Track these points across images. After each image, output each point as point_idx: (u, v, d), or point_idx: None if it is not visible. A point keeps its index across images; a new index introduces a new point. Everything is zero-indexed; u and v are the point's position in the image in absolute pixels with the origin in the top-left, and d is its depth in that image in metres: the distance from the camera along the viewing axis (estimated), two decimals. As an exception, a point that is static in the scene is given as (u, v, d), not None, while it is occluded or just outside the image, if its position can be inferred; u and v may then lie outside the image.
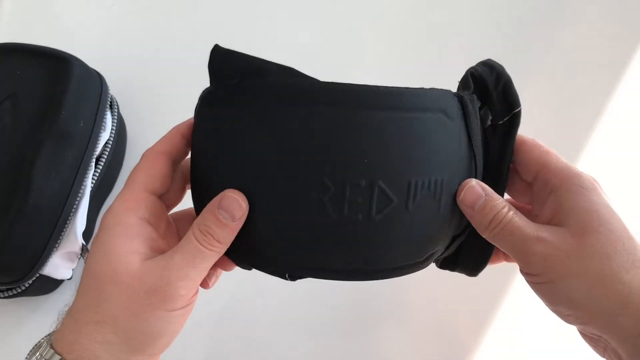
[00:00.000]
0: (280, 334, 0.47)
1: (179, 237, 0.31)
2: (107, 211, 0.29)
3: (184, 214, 0.34)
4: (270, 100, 0.29)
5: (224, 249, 0.29)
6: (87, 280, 0.28)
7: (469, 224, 0.31)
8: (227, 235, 0.28)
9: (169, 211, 0.33)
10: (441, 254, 0.32)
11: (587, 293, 0.27)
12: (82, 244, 0.43)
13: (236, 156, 0.29)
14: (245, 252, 0.31)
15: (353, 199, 0.28)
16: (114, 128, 0.48)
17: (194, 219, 0.29)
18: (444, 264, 0.35)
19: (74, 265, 0.46)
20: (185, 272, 0.27)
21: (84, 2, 0.60)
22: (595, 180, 0.30)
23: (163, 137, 0.31)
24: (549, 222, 0.30)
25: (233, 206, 0.28)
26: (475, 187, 0.30)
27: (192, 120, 0.31)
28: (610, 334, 0.28)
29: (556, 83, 0.58)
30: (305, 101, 0.28)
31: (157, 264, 0.28)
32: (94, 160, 0.45)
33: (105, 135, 0.46)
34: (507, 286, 0.48)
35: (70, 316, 0.28)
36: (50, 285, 0.46)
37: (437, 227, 0.30)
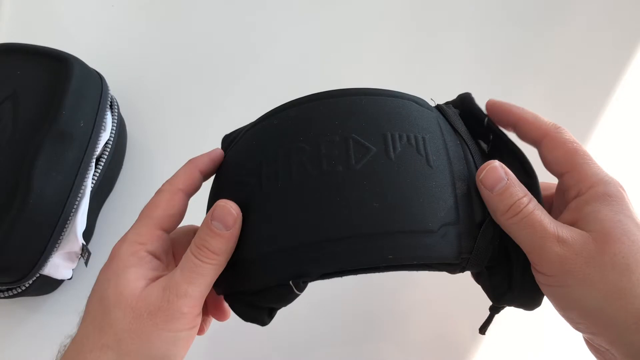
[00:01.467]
0: (279, 338, 0.47)
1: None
2: (120, 241, 0.30)
3: (180, 234, 0.34)
4: (258, 125, 0.32)
5: (221, 261, 0.28)
6: (93, 307, 0.28)
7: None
8: (222, 246, 0.28)
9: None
10: (473, 247, 0.28)
11: (602, 304, 0.26)
12: (82, 244, 0.43)
13: (229, 169, 0.31)
14: (239, 273, 0.29)
15: (329, 152, 0.27)
16: (114, 128, 0.48)
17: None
18: (492, 287, 0.31)
19: (74, 265, 0.46)
20: (185, 289, 0.27)
21: (84, 2, 0.60)
22: (622, 188, 0.29)
23: (181, 171, 0.32)
24: (570, 225, 0.28)
25: (224, 214, 0.28)
26: (498, 169, 0.28)
27: (210, 154, 0.32)
28: (619, 349, 0.27)
29: (556, 83, 0.58)
30: (281, 109, 0.31)
31: (158, 284, 0.28)
32: (94, 160, 0.45)
33: (105, 135, 0.46)
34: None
35: (74, 346, 0.28)
36: (50, 285, 0.46)
37: (435, 185, 0.27)
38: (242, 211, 0.29)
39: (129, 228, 0.31)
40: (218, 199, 0.29)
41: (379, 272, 0.28)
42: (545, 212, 0.28)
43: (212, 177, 0.34)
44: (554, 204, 0.32)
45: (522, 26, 0.60)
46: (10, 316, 0.47)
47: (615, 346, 0.27)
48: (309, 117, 0.29)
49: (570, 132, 0.31)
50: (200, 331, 0.33)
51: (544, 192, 0.31)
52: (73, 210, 0.42)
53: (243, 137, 0.32)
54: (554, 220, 0.28)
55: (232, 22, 0.60)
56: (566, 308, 0.28)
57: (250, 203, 0.29)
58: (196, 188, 0.32)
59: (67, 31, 0.59)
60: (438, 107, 0.33)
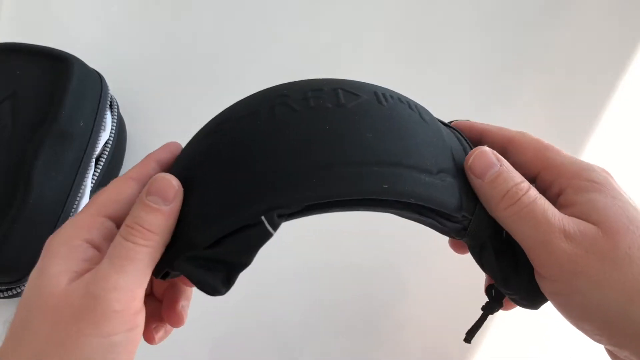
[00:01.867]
0: (276, 335, 0.47)
1: None
2: (54, 234, 0.24)
3: None
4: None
5: (158, 242, 0.23)
6: (16, 316, 0.23)
7: None
8: (160, 222, 0.23)
9: None
10: (473, 213, 0.25)
11: (625, 307, 0.22)
12: (82, 244, 0.43)
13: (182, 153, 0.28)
14: (199, 223, 0.23)
15: (316, 95, 0.25)
16: (114, 128, 0.48)
17: None
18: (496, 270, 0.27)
19: (74, 265, 0.46)
20: (115, 281, 0.22)
21: (84, 2, 0.60)
22: (606, 172, 0.26)
23: (136, 164, 0.27)
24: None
25: (163, 186, 0.23)
26: (488, 154, 0.25)
27: (168, 145, 0.29)
28: None
29: (556, 83, 0.58)
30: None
31: (83, 279, 0.22)
32: (94, 160, 0.45)
33: (105, 135, 0.46)
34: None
35: None
36: (50, 285, 0.46)
37: (430, 132, 0.25)
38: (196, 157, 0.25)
39: None
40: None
41: (366, 209, 0.23)
42: (547, 201, 0.24)
43: None
44: None
45: (521, 25, 0.60)
46: (10, 316, 0.47)
47: None
48: (293, 83, 0.26)
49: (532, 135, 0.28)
50: (151, 340, 0.28)
51: None
52: (73, 210, 0.42)
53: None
54: (557, 211, 0.24)
55: (232, 22, 0.60)
56: (582, 319, 0.24)
57: (214, 144, 0.25)
58: (150, 176, 0.27)
59: (67, 31, 0.59)
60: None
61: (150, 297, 0.30)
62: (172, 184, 0.24)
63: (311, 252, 0.48)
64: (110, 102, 0.49)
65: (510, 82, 0.58)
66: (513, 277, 0.26)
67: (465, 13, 0.61)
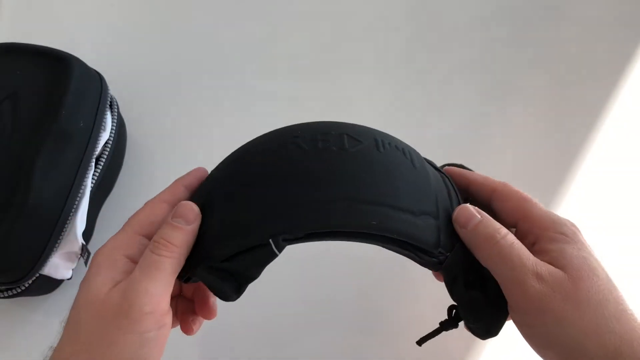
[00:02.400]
0: (276, 333, 0.47)
1: None
2: (98, 250, 0.30)
3: None
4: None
5: (180, 254, 0.28)
6: (70, 315, 0.28)
7: None
8: (182, 237, 0.28)
9: None
10: (449, 250, 0.29)
11: (581, 341, 0.27)
12: (82, 244, 0.43)
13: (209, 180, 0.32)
14: (224, 236, 0.28)
15: (324, 139, 0.29)
16: (114, 128, 0.48)
17: None
18: (466, 308, 0.31)
19: (73, 265, 0.46)
20: (145, 286, 0.27)
21: (84, 2, 0.60)
22: (575, 226, 0.30)
23: (166, 188, 0.32)
24: None
25: (185, 210, 0.29)
26: (469, 208, 0.29)
27: (195, 172, 0.33)
28: None
29: (556, 83, 0.58)
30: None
31: (120, 286, 0.27)
32: (94, 160, 0.45)
33: (105, 135, 0.46)
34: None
35: (54, 355, 0.28)
36: (50, 285, 0.46)
37: (418, 179, 0.29)
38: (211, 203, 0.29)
39: None
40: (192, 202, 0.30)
41: (355, 240, 0.28)
42: (523, 246, 0.29)
43: None
44: None
45: (522, 25, 0.60)
46: (10, 316, 0.47)
47: None
48: (305, 125, 0.31)
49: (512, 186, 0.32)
50: (189, 331, 0.34)
51: None
52: (73, 210, 0.42)
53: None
54: (532, 255, 0.28)
55: (232, 22, 0.60)
56: (545, 347, 0.29)
57: (226, 194, 0.29)
58: (180, 199, 0.32)
59: (67, 31, 0.59)
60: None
61: (181, 298, 0.35)
62: (193, 209, 0.29)
63: (309, 250, 0.47)
64: (110, 102, 0.49)
65: (510, 81, 0.58)
66: (480, 309, 0.30)
67: (465, 13, 0.61)
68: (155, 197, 0.32)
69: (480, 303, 0.30)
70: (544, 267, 0.28)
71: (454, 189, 0.32)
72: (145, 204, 0.31)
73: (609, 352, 0.26)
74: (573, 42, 0.60)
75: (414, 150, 0.32)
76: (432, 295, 0.48)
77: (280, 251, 0.27)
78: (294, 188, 0.27)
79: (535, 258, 0.28)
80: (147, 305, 0.26)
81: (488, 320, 0.30)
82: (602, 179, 0.53)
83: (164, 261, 0.27)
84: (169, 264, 0.28)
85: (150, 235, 0.30)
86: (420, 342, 0.34)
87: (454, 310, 0.33)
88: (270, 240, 0.27)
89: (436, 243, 0.28)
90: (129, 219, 0.31)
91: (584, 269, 0.28)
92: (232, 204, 0.29)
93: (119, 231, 0.30)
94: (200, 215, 0.29)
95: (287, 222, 0.27)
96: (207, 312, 0.34)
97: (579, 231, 0.30)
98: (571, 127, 0.56)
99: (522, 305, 0.28)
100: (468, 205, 0.30)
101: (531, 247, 0.30)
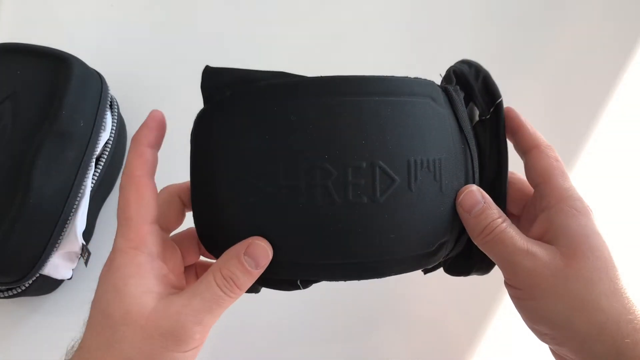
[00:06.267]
0: (276, 336, 0.47)
1: (183, 262, 0.32)
2: (114, 250, 0.28)
3: (184, 235, 0.34)
4: (263, 101, 0.29)
5: (241, 295, 0.29)
6: (99, 319, 0.28)
7: None
8: (249, 283, 0.28)
9: (168, 234, 0.32)
10: (452, 250, 0.32)
11: (567, 315, 0.28)
12: (82, 244, 0.43)
13: (236, 167, 0.28)
14: None
15: (356, 181, 0.28)
16: (114, 128, 0.48)
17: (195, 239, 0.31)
18: (455, 268, 0.34)
19: (73, 265, 0.46)
20: (202, 318, 0.27)
21: (84, 2, 0.60)
22: (589, 208, 0.31)
23: (129, 156, 0.29)
24: (539, 238, 0.30)
25: (260, 254, 0.28)
26: (475, 193, 0.30)
27: (148, 124, 0.30)
28: (582, 357, 0.28)
29: (555, 82, 0.58)
30: (296, 96, 0.29)
31: (172, 305, 0.27)
32: (94, 160, 0.45)
33: (105, 135, 0.46)
34: (503, 288, 0.48)
35: (80, 354, 0.28)
36: (50, 285, 0.46)
37: (443, 209, 0.30)
38: (255, 216, 0.28)
39: None
40: (223, 194, 0.28)
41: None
42: (517, 229, 0.30)
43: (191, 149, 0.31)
44: (524, 214, 0.34)
45: (521, 25, 0.60)
46: (10, 316, 0.47)
47: (579, 356, 0.29)
48: (334, 126, 0.28)
49: (557, 153, 0.32)
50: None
51: (519, 193, 0.34)
52: (73, 210, 0.42)
53: (247, 117, 0.29)
54: (525, 236, 0.30)
55: (233, 22, 0.60)
56: (534, 320, 0.30)
57: (266, 211, 0.28)
58: (154, 164, 0.30)
59: (67, 31, 0.59)
60: (447, 95, 0.32)
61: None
62: (267, 254, 0.28)
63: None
64: (111, 102, 0.49)
65: (510, 81, 0.58)
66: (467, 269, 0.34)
67: (465, 12, 0.61)
68: (127, 175, 0.29)
69: (467, 269, 0.34)
70: (536, 246, 0.29)
71: (472, 165, 0.32)
72: (122, 187, 0.29)
73: (594, 328, 0.27)
74: (572, 42, 0.60)
75: (444, 147, 0.30)
76: (433, 294, 0.48)
77: (305, 288, 0.30)
78: (325, 244, 0.28)
79: (528, 238, 0.29)
80: (198, 334, 0.27)
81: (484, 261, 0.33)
82: (600, 180, 0.53)
83: (227, 299, 0.28)
84: (230, 302, 0.28)
85: (154, 219, 0.29)
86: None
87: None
88: (299, 282, 0.30)
89: (443, 261, 0.32)
90: (120, 212, 0.29)
91: (581, 247, 0.28)
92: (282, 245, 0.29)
93: (123, 227, 0.29)
94: (271, 258, 0.28)
95: (312, 276, 0.30)
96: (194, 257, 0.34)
97: (592, 211, 0.30)
98: (570, 127, 0.56)
99: (514, 281, 0.30)
100: (474, 189, 0.30)
101: (540, 212, 0.31)
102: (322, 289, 0.31)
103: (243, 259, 0.27)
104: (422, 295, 0.48)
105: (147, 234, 0.28)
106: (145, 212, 0.29)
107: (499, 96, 0.33)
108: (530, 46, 0.59)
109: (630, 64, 0.58)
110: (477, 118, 0.33)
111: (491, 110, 0.33)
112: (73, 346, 0.29)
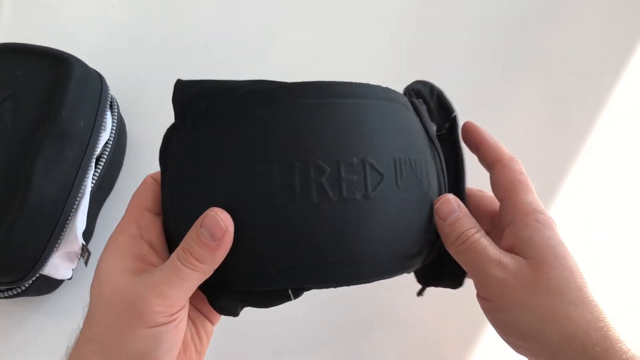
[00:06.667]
0: (271, 338, 0.47)
1: None
2: (114, 231, 0.30)
3: None
4: (245, 107, 0.29)
5: (205, 269, 0.28)
6: (89, 301, 0.29)
7: None
8: (207, 255, 0.27)
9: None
10: (428, 255, 0.32)
11: (539, 327, 0.28)
12: (82, 244, 0.43)
13: (226, 173, 0.28)
14: (240, 274, 0.29)
15: (349, 177, 0.28)
16: (114, 128, 0.48)
17: None
18: (426, 277, 0.34)
19: (73, 265, 0.46)
20: (161, 290, 0.27)
21: (84, 2, 0.60)
22: (552, 220, 0.31)
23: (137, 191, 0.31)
24: (508, 252, 0.30)
25: (213, 225, 0.27)
26: (452, 202, 0.30)
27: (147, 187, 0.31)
28: None
29: (555, 82, 0.58)
30: (282, 98, 0.30)
31: (138, 280, 0.27)
32: (94, 160, 0.45)
33: (105, 135, 0.46)
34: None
35: (78, 343, 0.29)
36: (50, 285, 0.46)
37: (426, 208, 0.30)
38: (244, 216, 0.28)
39: None
40: (214, 188, 0.28)
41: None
42: (490, 240, 0.30)
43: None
44: (492, 229, 0.34)
45: (521, 25, 0.60)
46: (10, 316, 0.47)
47: None
48: (322, 128, 0.29)
49: (521, 165, 0.33)
50: (213, 319, 0.34)
51: (487, 208, 0.34)
52: (73, 210, 0.42)
53: (233, 115, 0.30)
54: (497, 247, 0.30)
55: (233, 22, 0.60)
56: (507, 333, 0.30)
57: (258, 210, 0.28)
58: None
59: (67, 31, 0.59)
60: (413, 106, 0.33)
61: None
62: (220, 224, 0.27)
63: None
64: (111, 102, 0.49)
65: (509, 80, 0.58)
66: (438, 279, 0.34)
67: (465, 12, 0.61)
68: (152, 174, 0.31)
69: (438, 278, 0.34)
70: (507, 257, 0.29)
71: (442, 171, 0.33)
72: (143, 181, 0.31)
73: (565, 337, 0.28)
74: (569, 45, 0.60)
75: (421, 149, 0.31)
76: (427, 299, 0.48)
77: (296, 298, 0.30)
78: (318, 244, 0.28)
79: (500, 250, 0.30)
80: (158, 307, 0.27)
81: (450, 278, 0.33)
82: (599, 180, 0.54)
83: (187, 271, 0.27)
84: (192, 275, 0.27)
85: (150, 208, 0.30)
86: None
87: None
88: (290, 291, 0.29)
89: (422, 264, 0.32)
90: (130, 201, 0.31)
91: (548, 257, 0.29)
92: (261, 240, 0.28)
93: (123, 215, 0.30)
94: (231, 233, 0.27)
95: (303, 282, 0.29)
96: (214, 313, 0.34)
97: (554, 223, 0.31)
98: (568, 129, 0.56)
99: (485, 292, 0.30)
100: (450, 197, 0.31)
101: (506, 227, 0.31)
102: (315, 294, 0.30)
103: (199, 231, 0.27)
104: (416, 300, 0.48)
105: (135, 216, 0.30)
106: (142, 199, 0.30)
107: (453, 110, 0.34)
108: (530, 46, 0.59)
109: (630, 64, 0.58)
110: (435, 133, 0.34)
111: (446, 125, 0.33)
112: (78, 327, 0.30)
